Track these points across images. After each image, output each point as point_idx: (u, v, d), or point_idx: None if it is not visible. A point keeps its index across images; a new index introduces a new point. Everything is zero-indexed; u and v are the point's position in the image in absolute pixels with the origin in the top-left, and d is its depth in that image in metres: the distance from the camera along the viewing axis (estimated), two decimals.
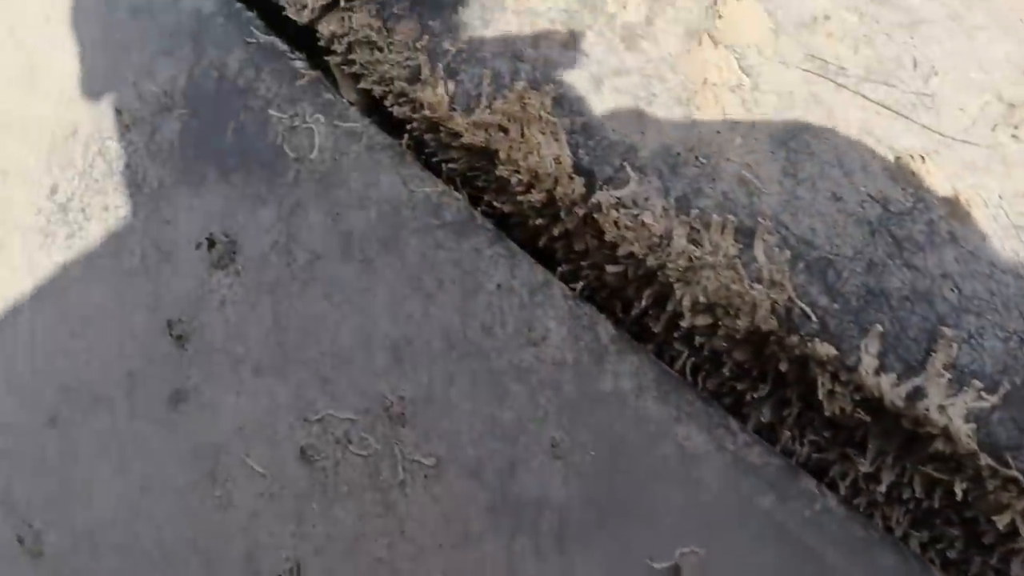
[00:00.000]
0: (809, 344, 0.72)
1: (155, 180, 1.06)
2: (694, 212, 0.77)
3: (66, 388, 1.07)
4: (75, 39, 1.21)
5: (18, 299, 1.15)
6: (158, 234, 1.04)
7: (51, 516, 1.05)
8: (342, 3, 0.97)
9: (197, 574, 0.94)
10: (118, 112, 1.12)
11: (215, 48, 1.07)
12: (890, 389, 0.70)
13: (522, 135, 0.82)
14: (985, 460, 0.69)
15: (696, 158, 0.80)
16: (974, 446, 0.69)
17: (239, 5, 1.10)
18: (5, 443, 1.11)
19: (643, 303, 0.82)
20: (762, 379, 0.79)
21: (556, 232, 0.83)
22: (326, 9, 0.98)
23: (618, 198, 0.78)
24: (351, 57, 0.97)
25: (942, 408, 0.69)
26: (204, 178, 1.03)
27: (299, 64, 1.01)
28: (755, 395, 0.79)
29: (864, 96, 0.83)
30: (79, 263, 1.11)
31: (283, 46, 1.04)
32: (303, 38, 1.05)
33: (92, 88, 1.17)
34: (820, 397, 0.73)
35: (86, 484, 1.03)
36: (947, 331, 0.72)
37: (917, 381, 0.70)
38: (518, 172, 0.82)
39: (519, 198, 0.84)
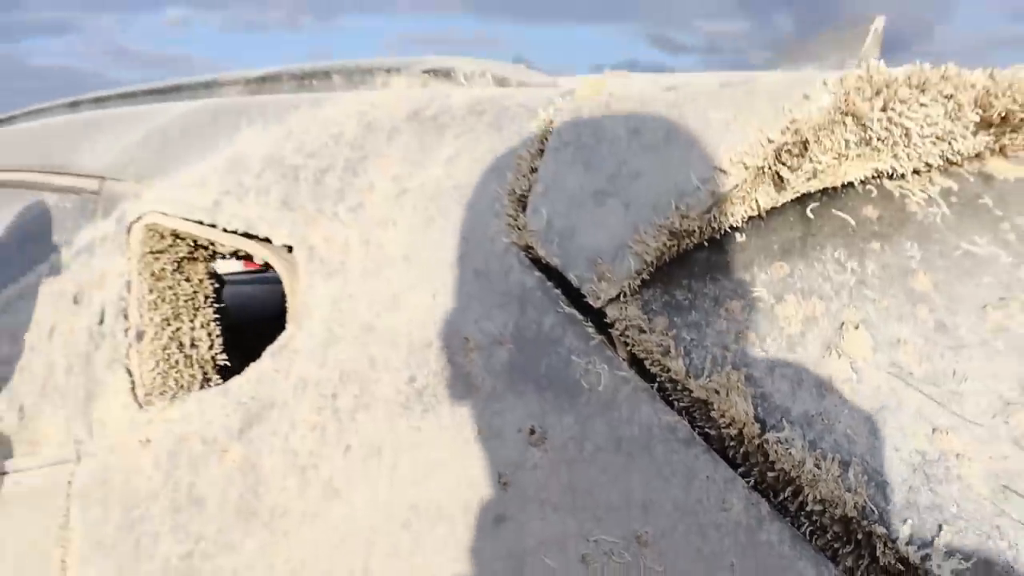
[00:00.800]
0: (873, 525, 1.49)
1: (490, 387, 1.92)
2: (818, 451, 1.64)
3: (415, 505, 2.00)
4: (429, 280, 2.15)
5: (381, 444, 2.06)
6: (491, 420, 1.90)
7: None
8: (620, 298, 1.90)
9: None
10: (465, 339, 2.06)
11: (534, 310, 1.85)
12: (912, 553, 1.48)
13: (727, 395, 1.73)
14: None
15: (822, 420, 1.65)
16: None
17: (550, 284, 1.99)
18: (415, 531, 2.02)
19: (784, 494, 1.69)
20: (848, 541, 1.53)
21: (741, 451, 1.73)
22: (610, 300, 1.90)
23: (779, 438, 1.66)
24: (626, 333, 1.86)
25: (940, 565, 1.54)
26: (525, 391, 1.87)
27: (590, 330, 1.90)
28: (843, 550, 1.53)
29: (921, 391, 1.65)
30: (430, 431, 1.96)
31: (580, 316, 1.86)
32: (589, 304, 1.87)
33: (445, 318, 2.05)
34: (878, 554, 1.57)
35: (429, 571, 1.94)
36: (946, 527, 1.57)
37: (927, 550, 1.54)
38: (723, 416, 1.73)
39: (722, 430, 1.74)
